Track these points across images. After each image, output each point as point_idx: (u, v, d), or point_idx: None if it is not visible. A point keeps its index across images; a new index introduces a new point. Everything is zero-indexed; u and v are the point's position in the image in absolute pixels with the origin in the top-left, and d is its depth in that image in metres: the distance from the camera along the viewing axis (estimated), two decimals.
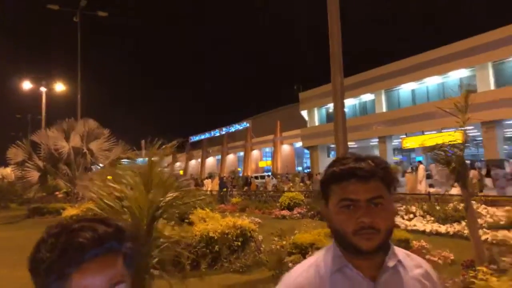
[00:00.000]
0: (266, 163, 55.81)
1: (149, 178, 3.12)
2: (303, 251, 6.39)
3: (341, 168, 1.09)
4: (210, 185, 28.47)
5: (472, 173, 16.90)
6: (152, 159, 3.32)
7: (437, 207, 11.03)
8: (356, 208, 1.04)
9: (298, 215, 14.37)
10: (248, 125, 58.85)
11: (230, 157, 64.74)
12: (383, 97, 36.60)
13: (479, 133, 27.87)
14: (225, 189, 23.43)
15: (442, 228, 9.79)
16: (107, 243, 0.79)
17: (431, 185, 20.27)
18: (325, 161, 38.74)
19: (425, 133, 29.18)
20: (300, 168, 49.19)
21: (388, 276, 1.07)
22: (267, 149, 56.86)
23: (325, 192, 1.13)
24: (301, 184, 24.54)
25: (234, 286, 6.21)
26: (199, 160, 70.27)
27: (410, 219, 11.07)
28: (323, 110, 43.47)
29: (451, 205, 10.75)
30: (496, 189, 17.69)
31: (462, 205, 7.54)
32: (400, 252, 1.15)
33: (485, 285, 3.40)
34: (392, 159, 35.57)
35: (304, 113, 45.31)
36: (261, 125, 55.94)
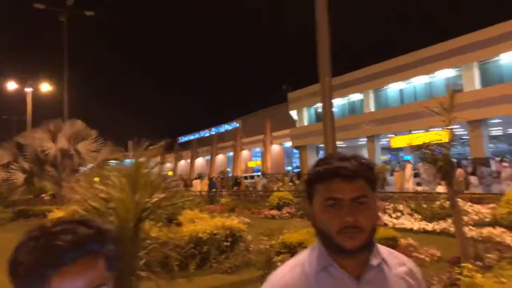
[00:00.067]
0: (255, 163, 55.83)
1: (136, 179, 3.09)
2: (292, 250, 6.41)
3: (325, 168, 1.10)
4: (200, 186, 28.37)
5: (459, 171, 17.17)
6: (139, 160, 3.29)
7: (424, 205, 11.16)
8: (340, 207, 1.05)
9: (287, 214, 14.41)
10: (237, 125, 58.80)
11: (220, 157, 64.60)
12: (372, 97, 36.91)
13: (465, 132, 28.28)
14: (214, 190, 23.38)
15: (429, 226, 9.92)
16: (88, 245, 0.79)
17: (418, 184, 20.54)
18: (314, 160, 38.76)
19: (413, 132, 29.51)
20: (289, 168, 49.30)
21: (373, 275, 1.08)
22: (257, 149, 56.89)
23: (310, 191, 1.14)
24: (290, 183, 24.61)
25: (223, 286, 6.21)
26: (189, 160, 69.97)
27: (398, 217, 11.19)
28: (312, 110, 43.65)
29: (437, 203, 10.89)
30: (482, 187, 17.99)
31: (448, 203, 7.64)
32: (384, 250, 1.16)
33: (470, 282, 3.45)
34: (380, 158, 35.88)
35: (293, 113, 45.46)
36: (250, 125, 55.95)
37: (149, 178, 3.27)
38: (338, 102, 38.25)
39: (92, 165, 16.00)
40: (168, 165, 62.53)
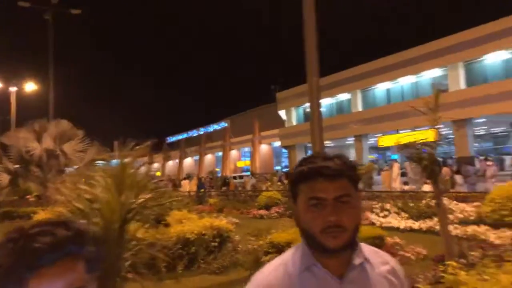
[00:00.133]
0: (244, 163, 55.82)
1: (121, 179, 3.06)
2: (280, 250, 6.42)
3: (309, 167, 1.10)
4: (188, 186, 28.25)
5: (445, 170, 17.42)
6: (125, 160, 3.26)
7: (411, 204, 11.29)
8: (324, 206, 1.05)
9: (276, 214, 14.44)
10: (226, 125, 58.71)
11: (208, 158, 64.42)
12: (359, 97, 37.23)
13: (451, 131, 28.72)
14: (203, 190, 23.31)
15: (416, 225, 10.04)
16: (66, 247, 0.78)
17: (405, 183, 20.78)
18: None
19: (400, 131, 29.85)
20: (278, 168, 49.43)
21: (355, 274, 1.09)
22: (246, 149, 56.87)
23: (294, 191, 1.14)
24: (279, 183, 24.65)
25: (211, 287, 6.19)
26: (177, 160, 69.61)
27: (385, 216, 11.30)
28: (301, 110, 43.83)
29: (424, 201, 11.02)
30: (467, 186, 18.28)
31: (434, 201, 7.74)
32: (367, 249, 1.16)
33: (454, 279, 3.50)
34: (368, 157, 36.21)
35: (282, 113, 45.60)
36: (239, 125, 55.90)
37: (135, 179, 3.24)
38: (326, 102, 38.50)
39: (78, 165, 15.81)
40: (156, 165, 62.14)
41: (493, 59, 27.42)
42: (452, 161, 25.66)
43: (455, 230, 7.94)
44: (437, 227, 8.28)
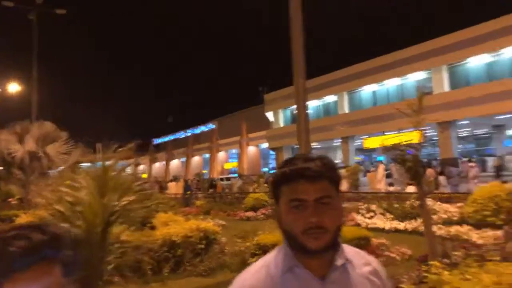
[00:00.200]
0: (232, 164, 55.73)
1: (104, 182, 3.02)
2: (267, 252, 6.41)
3: (290, 169, 1.10)
4: (175, 188, 28.03)
5: (429, 171, 17.68)
6: (107, 162, 3.22)
7: (396, 205, 11.41)
8: (305, 208, 1.05)
9: (262, 216, 14.44)
10: (214, 126, 58.54)
11: (196, 159, 64.14)
12: (346, 99, 37.55)
13: (435, 133, 29.16)
14: (189, 192, 23.19)
15: (401, 225, 10.16)
16: (42, 251, 0.77)
17: (391, 184, 21.01)
18: None
19: (386, 133, 30.20)
20: (266, 169, 49.48)
21: (337, 275, 1.09)
22: (233, 151, 56.80)
23: (276, 192, 1.14)
24: (266, 185, 24.66)
25: None
26: (164, 162, 69.11)
27: (371, 217, 11.39)
28: (288, 112, 43.99)
29: (408, 202, 11.15)
30: (450, 187, 18.57)
31: (418, 202, 7.85)
32: (350, 250, 1.17)
33: (438, 279, 3.55)
34: (354, 159, 36.52)
35: (270, 115, 45.70)
36: (226, 127, 55.81)
37: (118, 181, 3.19)
38: (313, 104, 38.71)
39: (62, 168, 15.56)
40: (143, 167, 61.56)
41: (476, 62, 27.99)
42: (436, 163, 26.05)
43: (439, 230, 8.04)
44: (422, 228, 8.40)
